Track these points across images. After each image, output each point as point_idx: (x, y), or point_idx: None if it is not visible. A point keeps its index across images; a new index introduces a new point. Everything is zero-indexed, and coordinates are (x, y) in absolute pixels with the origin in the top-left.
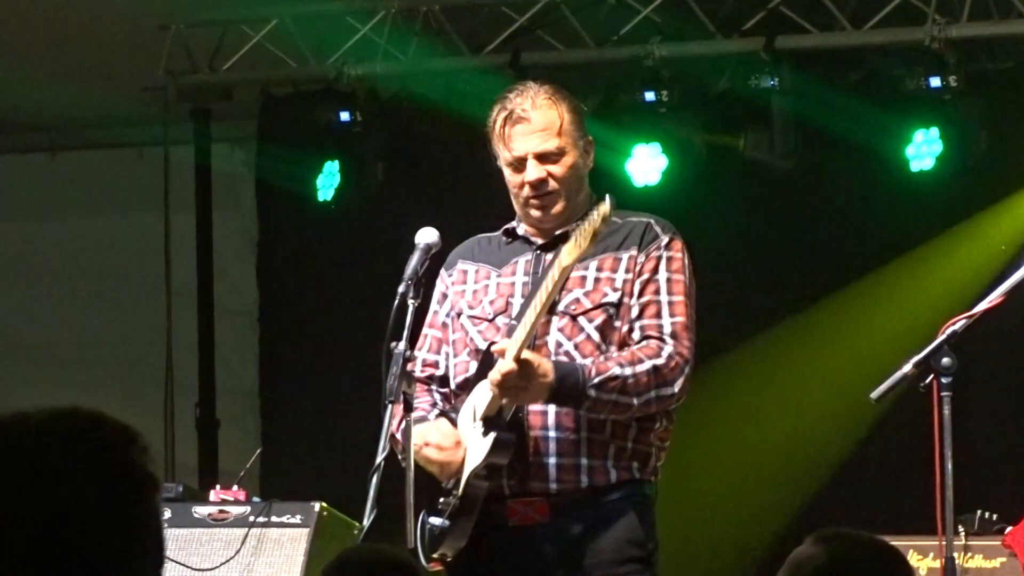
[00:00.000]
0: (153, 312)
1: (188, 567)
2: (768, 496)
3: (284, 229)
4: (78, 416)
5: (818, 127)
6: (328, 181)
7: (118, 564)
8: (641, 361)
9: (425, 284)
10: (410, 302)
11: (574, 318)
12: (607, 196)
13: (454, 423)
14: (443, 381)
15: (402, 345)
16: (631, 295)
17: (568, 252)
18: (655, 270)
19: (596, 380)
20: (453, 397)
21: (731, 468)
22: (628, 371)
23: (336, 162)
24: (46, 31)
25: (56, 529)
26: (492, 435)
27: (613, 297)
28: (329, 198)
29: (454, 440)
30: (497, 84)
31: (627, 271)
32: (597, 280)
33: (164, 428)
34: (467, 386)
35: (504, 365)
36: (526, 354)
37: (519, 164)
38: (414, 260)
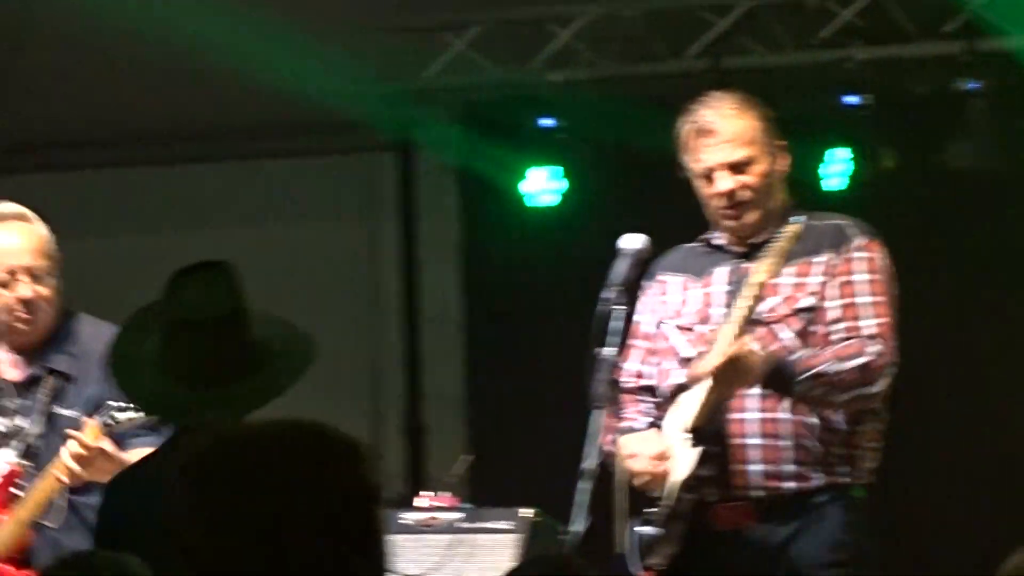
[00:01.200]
0: (359, 320)
1: (397, 573)
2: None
3: (488, 235)
4: (303, 428)
5: (1019, 130)
6: (537, 187)
7: (340, 573)
8: (848, 358)
9: (632, 290)
10: (616, 308)
11: (770, 326)
12: (797, 216)
13: (661, 434)
14: (651, 391)
15: (608, 351)
16: (828, 299)
17: (760, 272)
18: (852, 272)
19: (805, 374)
20: (660, 406)
21: (951, 474)
22: (836, 367)
23: (545, 168)
24: (242, 37)
25: (280, 540)
26: (700, 448)
27: (809, 302)
28: (538, 204)
29: (661, 453)
30: (698, 89)
31: (822, 275)
32: (792, 286)
33: (371, 435)
34: (673, 395)
35: (718, 356)
36: (738, 344)
37: (709, 175)
38: (619, 266)
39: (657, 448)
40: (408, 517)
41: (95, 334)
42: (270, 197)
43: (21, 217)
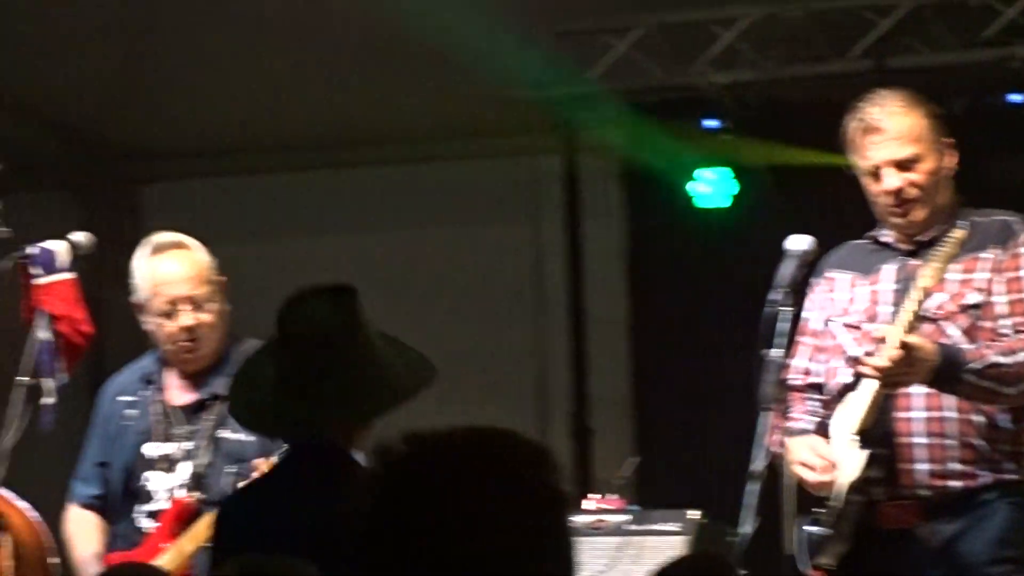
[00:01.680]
0: (525, 321)
1: None
2: None
3: (653, 237)
4: (492, 435)
5: None
6: (708, 188)
7: None
8: (1017, 352)
9: (801, 291)
10: (783, 309)
11: (937, 322)
12: (961, 222)
13: (827, 434)
14: (818, 389)
15: (776, 353)
16: (995, 294)
17: (925, 278)
18: (1019, 267)
19: (975, 366)
20: (827, 405)
21: None
22: (1005, 360)
23: (712, 169)
24: (417, 44)
25: (468, 545)
26: (868, 450)
27: (976, 299)
28: (707, 205)
29: (828, 459)
30: (861, 89)
31: (989, 271)
32: (958, 283)
33: (537, 438)
34: (840, 394)
35: (888, 351)
36: (909, 338)
37: (877, 173)
38: (786, 267)
39: (824, 456)
40: (575, 520)
41: None
42: (437, 200)
43: (179, 245)
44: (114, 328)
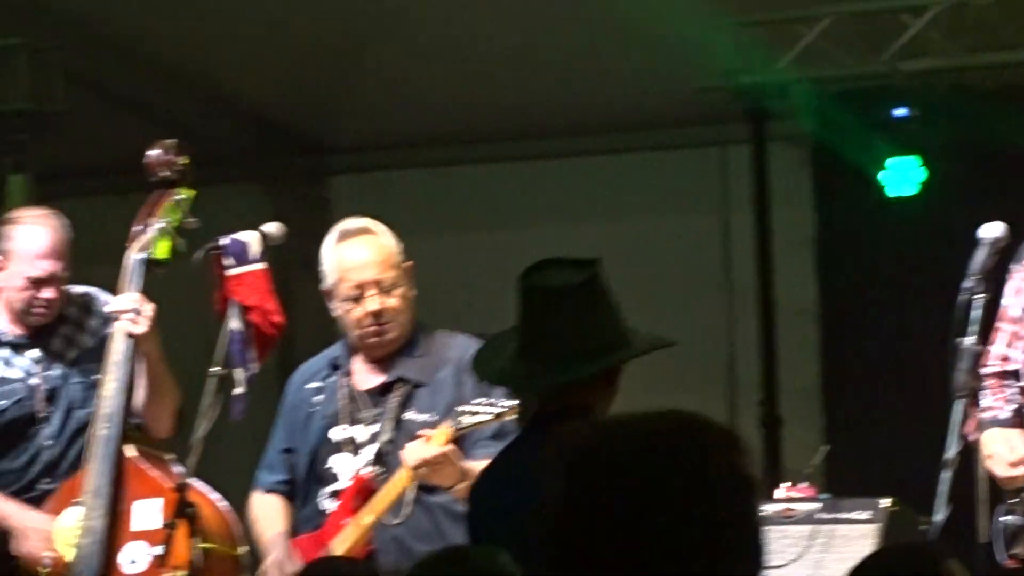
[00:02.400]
0: (714, 311)
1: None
2: None
3: (844, 225)
4: (681, 419)
5: None
6: (897, 176)
7: (718, 564)
8: None
9: (994, 279)
10: (976, 297)
11: None
12: None
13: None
14: (1015, 375)
15: (969, 340)
16: None
17: None
18: None
19: None
20: None
21: None
22: None
23: (904, 158)
24: (606, 36)
25: (657, 528)
26: None
27: None
28: (896, 193)
29: (1019, 454)
30: None
31: None
32: None
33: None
34: None
35: None
36: None
37: None
38: (980, 255)
39: (1017, 451)
40: (766, 508)
41: (447, 343)
42: (627, 191)
43: (366, 231)
44: (304, 319)
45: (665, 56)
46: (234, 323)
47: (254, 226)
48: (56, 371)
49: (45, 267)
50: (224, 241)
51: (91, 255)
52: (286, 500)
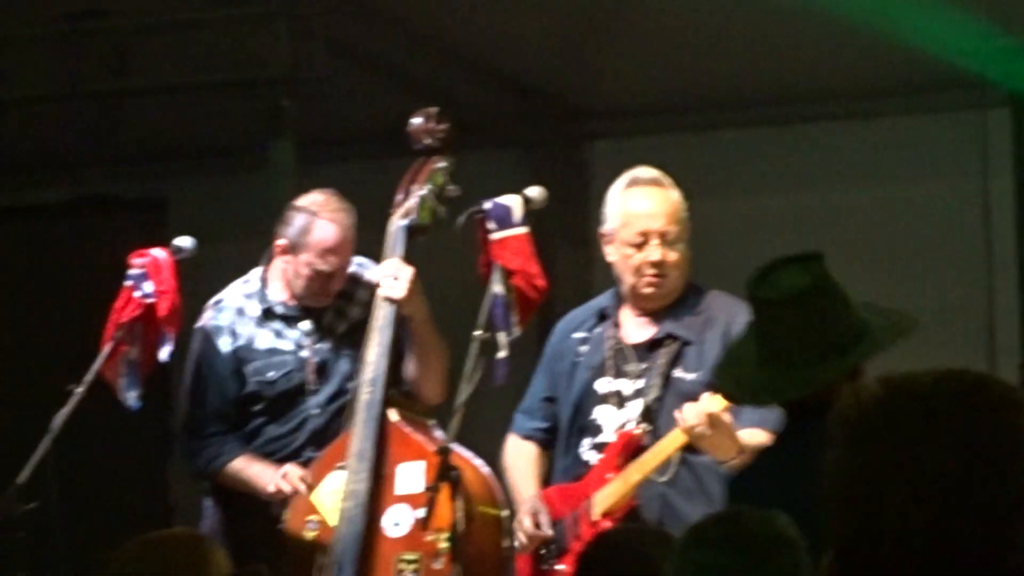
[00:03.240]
0: (973, 277)
1: None
2: None
3: None
4: (965, 378)
5: None
6: None
7: (1000, 530)
8: None
9: None
10: None
11: None
12: None
13: None
14: None
15: None
16: None
17: None
18: None
19: None
20: None
21: None
22: None
23: None
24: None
25: (943, 487)
26: None
27: None
28: None
29: None
30: None
31: None
32: None
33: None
34: None
35: None
36: None
37: None
38: None
39: None
40: None
41: (720, 304)
42: (884, 156)
43: (656, 182)
44: (563, 283)
45: (928, 18)
46: (497, 287)
47: (515, 191)
48: (326, 344)
49: (335, 262)
50: (487, 205)
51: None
52: (542, 448)
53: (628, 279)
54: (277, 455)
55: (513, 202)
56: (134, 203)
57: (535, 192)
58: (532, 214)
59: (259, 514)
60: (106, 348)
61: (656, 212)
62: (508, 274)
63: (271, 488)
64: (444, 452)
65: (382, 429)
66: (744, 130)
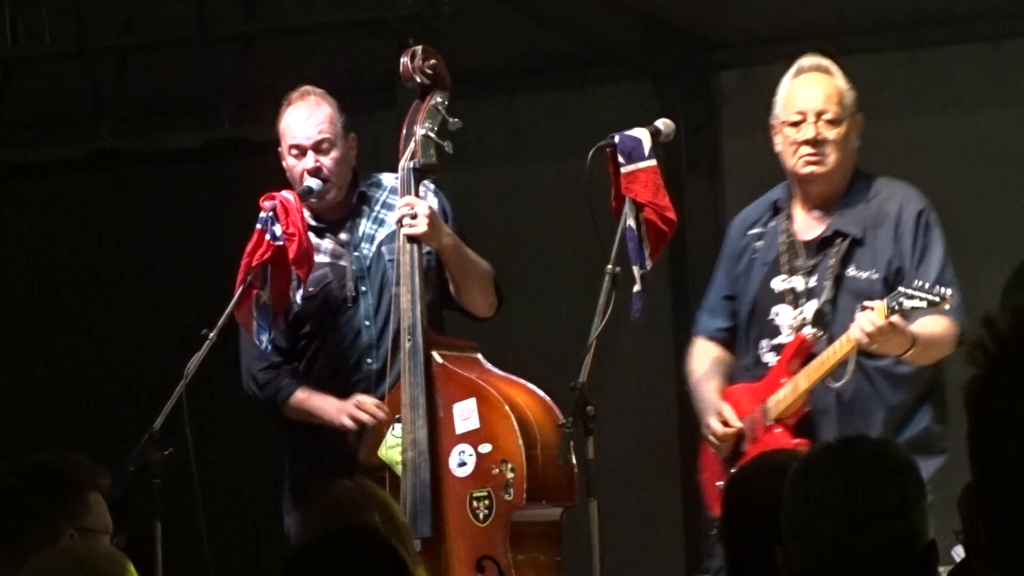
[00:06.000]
0: None
1: None
2: None
3: None
4: None
5: None
6: None
7: None
8: None
9: None
10: None
11: None
12: None
13: None
14: None
15: None
16: None
17: None
18: None
19: None
20: None
21: None
22: None
23: None
24: None
25: None
26: None
27: None
28: None
29: None
30: None
31: None
32: None
33: None
34: None
35: None
36: None
37: None
38: None
39: None
40: None
41: (887, 194)
42: (1013, 80)
43: (819, 68)
44: (693, 215)
45: None
46: (629, 220)
47: (643, 123)
48: (365, 251)
49: (305, 146)
50: (616, 138)
51: (473, 154)
52: (725, 349)
53: (789, 162)
54: (341, 370)
55: (642, 135)
56: (264, 146)
57: (664, 124)
58: (661, 146)
59: (333, 443)
60: (238, 292)
61: (814, 93)
62: (639, 207)
63: (346, 422)
64: (577, 389)
65: (429, 373)
66: (870, 55)
